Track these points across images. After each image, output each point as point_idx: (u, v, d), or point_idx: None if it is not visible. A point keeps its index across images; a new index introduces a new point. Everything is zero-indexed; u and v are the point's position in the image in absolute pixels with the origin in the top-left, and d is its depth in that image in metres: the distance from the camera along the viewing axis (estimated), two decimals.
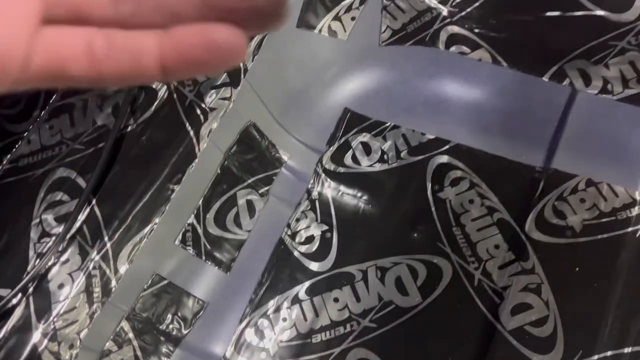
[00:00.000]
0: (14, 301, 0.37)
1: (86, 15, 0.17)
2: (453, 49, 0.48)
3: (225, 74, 0.43)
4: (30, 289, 0.37)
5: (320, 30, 0.48)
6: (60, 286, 0.37)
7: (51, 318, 0.36)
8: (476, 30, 0.46)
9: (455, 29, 0.47)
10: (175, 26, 0.17)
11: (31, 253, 0.38)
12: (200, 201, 0.45)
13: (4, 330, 0.36)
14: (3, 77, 0.16)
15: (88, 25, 0.17)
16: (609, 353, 0.37)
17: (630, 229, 0.40)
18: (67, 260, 0.38)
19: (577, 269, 0.40)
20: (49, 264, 0.38)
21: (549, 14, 0.44)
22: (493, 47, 0.46)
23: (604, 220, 0.41)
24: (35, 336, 0.36)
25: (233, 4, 0.17)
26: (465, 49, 0.47)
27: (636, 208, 0.40)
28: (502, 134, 0.46)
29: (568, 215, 0.42)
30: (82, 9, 0.17)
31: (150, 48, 0.17)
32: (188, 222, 0.44)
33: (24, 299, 0.37)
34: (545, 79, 0.45)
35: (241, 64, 0.44)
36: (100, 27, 0.17)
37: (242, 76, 0.44)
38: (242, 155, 0.47)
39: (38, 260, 0.38)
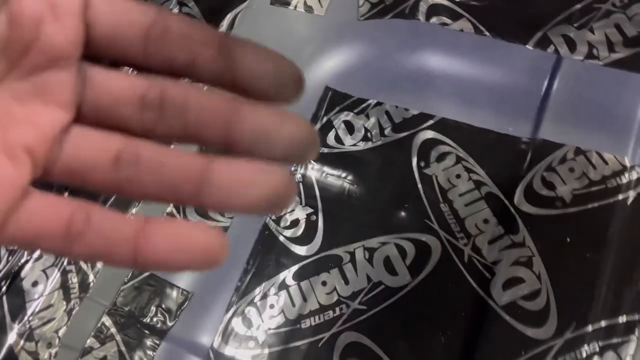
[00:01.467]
0: None
1: (82, 180, 0.17)
2: (434, 20, 0.46)
3: None
4: (3, 289, 0.36)
5: (295, 7, 0.47)
6: (35, 284, 0.36)
7: (26, 317, 0.35)
8: (457, 0, 0.45)
9: None
10: (153, 222, 0.17)
11: (2, 251, 0.37)
12: None
13: None
14: None
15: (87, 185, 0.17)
16: (603, 323, 0.37)
17: (620, 197, 0.39)
18: (40, 257, 0.37)
19: (568, 239, 0.39)
20: (22, 261, 0.36)
21: None
22: (475, 17, 0.45)
23: (594, 189, 0.40)
24: (11, 337, 0.35)
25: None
26: (446, 19, 0.46)
27: (626, 175, 0.40)
28: (488, 105, 0.45)
29: (557, 186, 0.41)
30: (79, 173, 0.17)
31: (127, 239, 0.17)
32: (167, 210, 0.42)
33: None
34: (529, 46, 0.44)
35: None
36: (99, 189, 0.17)
37: None
38: None
39: (10, 257, 0.36)
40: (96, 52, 0.17)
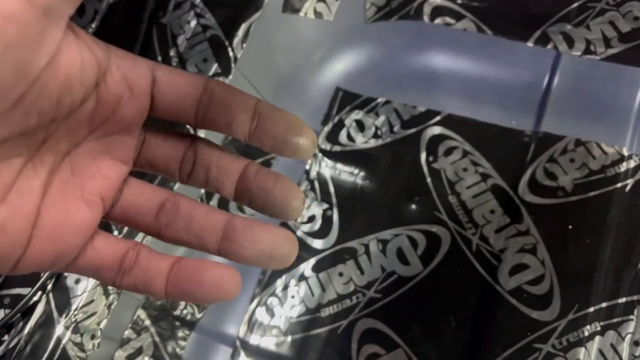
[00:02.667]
0: (35, 298, 0.38)
1: (133, 222, 0.21)
2: (438, 20, 0.48)
3: (216, 64, 0.44)
4: (49, 286, 0.39)
5: (305, 13, 0.49)
6: (77, 281, 0.39)
7: (72, 312, 0.38)
8: (459, 1, 0.47)
9: (438, 1, 0.48)
10: (183, 261, 0.21)
11: None
12: (202, 190, 0.46)
13: (28, 326, 0.38)
14: (60, 261, 0.20)
15: (135, 226, 0.21)
16: (604, 304, 0.38)
17: (619, 185, 0.41)
18: None
19: (570, 226, 0.41)
20: None
21: None
22: (477, 17, 0.47)
23: (593, 178, 0.42)
24: (58, 329, 0.38)
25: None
26: (449, 20, 0.48)
27: (624, 164, 0.42)
28: (492, 101, 0.47)
29: (559, 176, 0.43)
30: (131, 216, 0.21)
31: (160, 277, 0.20)
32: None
33: (44, 295, 0.39)
34: (529, 44, 0.46)
35: (231, 53, 0.45)
36: (143, 231, 0.21)
37: (233, 65, 0.45)
38: (239, 142, 0.48)
39: None
40: (156, 116, 0.21)
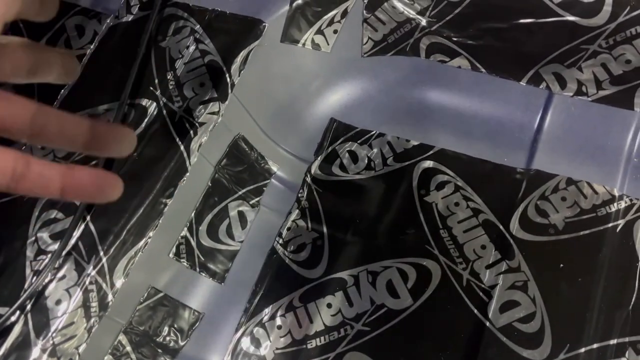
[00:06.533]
0: (13, 319, 0.37)
1: (7, 129, 0.24)
2: (433, 57, 0.49)
3: (213, 89, 0.45)
4: (28, 306, 0.38)
5: (304, 44, 0.50)
6: (58, 302, 0.38)
7: (50, 334, 0.37)
8: (454, 39, 0.48)
9: (434, 38, 0.49)
10: (75, 167, 0.25)
11: (28, 271, 0.39)
12: (193, 214, 0.45)
13: (3, 347, 0.36)
14: None
15: (9, 135, 0.24)
16: (595, 345, 0.38)
17: (610, 225, 0.41)
18: (63, 277, 0.38)
19: (562, 265, 0.41)
20: (46, 281, 0.38)
21: (522, 21, 0.46)
22: (471, 55, 0.48)
23: (584, 217, 0.42)
24: (35, 352, 0.36)
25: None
26: (444, 57, 0.49)
27: (615, 204, 0.42)
28: (484, 137, 0.48)
29: (550, 214, 0.43)
30: (4, 123, 0.24)
31: (56, 179, 0.24)
32: (181, 234, 0.45)
33: (22, 316, 0.37)
34: (522, 83, 0.46)
35: (228, 80, 0.45)
36: (16, 138, 0.24)
37: (230, 91, 0.45)
38: (232, 167, 0.48)
39: (35, 277, 0.38)
40: None
